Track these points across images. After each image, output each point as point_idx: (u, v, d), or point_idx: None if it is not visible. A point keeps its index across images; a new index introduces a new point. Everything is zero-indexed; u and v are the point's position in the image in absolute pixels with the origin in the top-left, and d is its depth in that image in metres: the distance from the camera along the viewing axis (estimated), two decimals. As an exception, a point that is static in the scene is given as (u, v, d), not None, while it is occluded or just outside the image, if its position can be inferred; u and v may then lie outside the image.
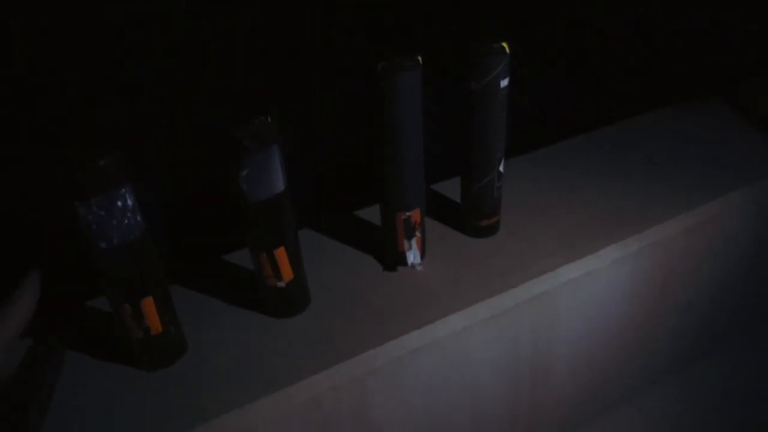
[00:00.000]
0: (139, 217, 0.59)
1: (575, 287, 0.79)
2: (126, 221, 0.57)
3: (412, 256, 0.77)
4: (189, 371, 0.65)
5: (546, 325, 0.79)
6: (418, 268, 0.76)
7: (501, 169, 0.79)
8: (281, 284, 0.69)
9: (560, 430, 0.95)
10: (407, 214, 0.74)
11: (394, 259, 0.78)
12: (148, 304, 0.62)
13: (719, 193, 0.90)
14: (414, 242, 0.77)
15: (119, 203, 0.56)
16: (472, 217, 0.82)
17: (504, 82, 0.72)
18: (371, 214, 0.90)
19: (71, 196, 0.53)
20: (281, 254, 0.67)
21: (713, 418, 1.04)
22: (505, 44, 0.71)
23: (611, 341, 0.89)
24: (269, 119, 0.60)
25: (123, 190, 0.56)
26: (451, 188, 0.93)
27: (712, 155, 1.01)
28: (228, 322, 0.71)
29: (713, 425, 1.03)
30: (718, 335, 1.07)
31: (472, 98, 0.73)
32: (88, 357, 0.68)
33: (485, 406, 0.81)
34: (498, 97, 0.72)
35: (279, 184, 0.63)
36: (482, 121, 0.74)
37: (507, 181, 0.85)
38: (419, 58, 0.67)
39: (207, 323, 0.71)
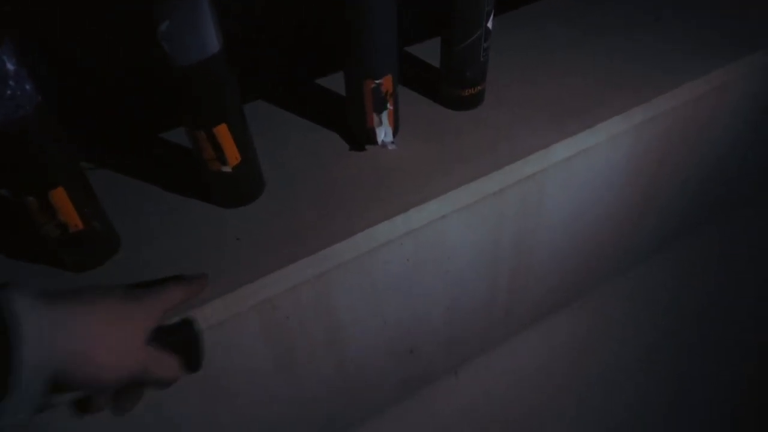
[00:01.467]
0: (28, 87, 0.45)
1: (568, 167, 0.69)
2: (8, 92, 0.43)
3: (383, 133, 0.65)
4: (123, 272, 0.55)
5: (532, 208, 0.71)
6: (390, 146, 0.65)
7: (489, 25, 0.65)
8: (227, 169, 0.57)
9: (536, 315, 0.91)
10: (376, 82, 0.61)
11: (361, 137, 0.67)
12: (59, 196, 0.50)
13: (729, 59, 0.78)
14: (385, 116, 0.65)
15: (-7, 67, 0.42)
16: (453, 85, 0.70)
17: None
18: (336, 82, 0.76)
19: None
20: (223, 132, 0.55)
21: (697, 295, 1.02)
22: None
23: (600, 223, 0.82)
24: (190, -49, 0.45)
25: (-4, 48, 0.42)
26: (429, 51, 0.80)
27: (724, 18, 0.87)
28: (167, 214, 0.61)
29: (694, 303, 1.01)
30: (708, 213, 1.02)
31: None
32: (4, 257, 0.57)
33: (461, 297, 0.75)
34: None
35: (212, 41, 0.49)
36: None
37: (494, 41, 0.71)
38: None
39: (142, 215, 0.60)
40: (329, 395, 0.72)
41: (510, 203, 0.67)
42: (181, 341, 0.46)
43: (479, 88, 0.70)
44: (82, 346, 0.36)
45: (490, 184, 0.64)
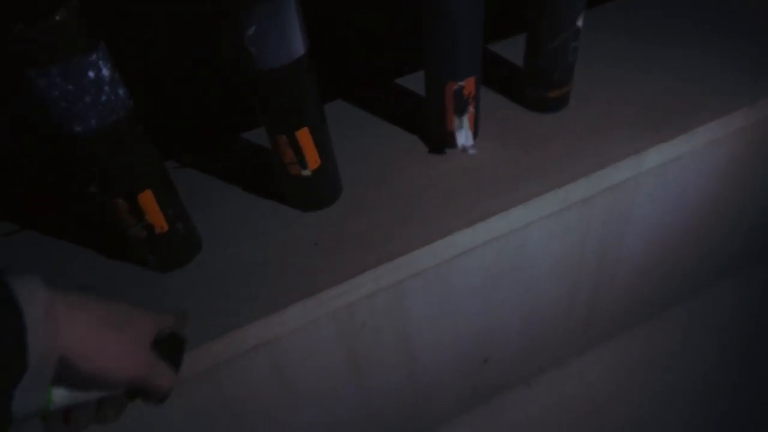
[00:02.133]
0: (121, 92, 0.46)
1: (661, 174, 0.65)
2: (104, 97, 0.44)
3: (464, 137, 0.63)
4: (205, 273, 0.56)
5: (620, 217, 0.67)
6: (471, 151, 0.63)
7: (579, 23, 0.61)
8: (306, 173, 0.57)
9: (614, 328, 0.87)
10: (459, 84, 0.59)
11: (441, 140, 0.65)
12: (147, 199, 0.51)
13: None
14: (466, 119, 0.62)
15: (90, 73, 0.43)
16: (539, 86, 0.66)
17: None
18: (416, 82, 0.74)
19: (22, 61, 0.40)
20: (305, 136, 0.54)
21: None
22: None
23: (687, 234, 0.77)
24: (280, -46, 0.44)
25: (93, 55, 0.42)
26: (511, 49, 0.76)
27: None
28: (247, 216, 0.61)
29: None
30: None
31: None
32: (96, 254, 0.59)
33: (539, 307, 0.72)
34: None
35: (298, 45, 0.49)
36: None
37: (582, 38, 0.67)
38: None
39: (222, 217, 0.61)
40: (399, 400, 0.71)
41: (597, 212, 0.64)
42: (170, 351, 0.45)
43: (566, 89, 0.67)
44: (91, 340, 0.37)
45: (578, 191, 0.60)
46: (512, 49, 0.75)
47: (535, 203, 0.59)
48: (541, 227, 0.61)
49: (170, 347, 0.45)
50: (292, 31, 0.47)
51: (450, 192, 0.61)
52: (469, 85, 0.60)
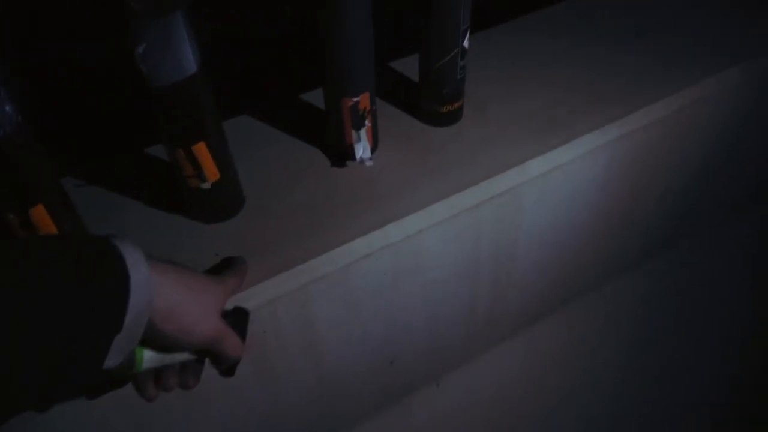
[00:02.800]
0: (8, 108, 0.46)
1: (545, 182, 0.71)
2: (-12, 114, 0.45)
3: (362, 150, 0.67)
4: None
5: (509, 222, 0.72)
6: (368, 163, 0.66)
7: (465, 44, 0.67)
8: (206, 185, 0.59)
9: (518, 324, 0.93)
10: (354, 100, 0.63)
11: (341, 153, 0.68)
12: (40, 213, 0.51)
13: (708, 72, 0.80)
14: (363, 133, 0.66)
15: (-27, 91, 0.43)
16: (431, 102, 0.71)
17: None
18: (319, 97, 0.77)
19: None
20: (202, 150, 0.56)
21: (675, 307, 1.03)
22: None
23: (580, 236, 0.84)
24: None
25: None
26: (410, 66, 0.81)
27: (703, 29, 0.89)
28: (147, 229, 0.62)
29: (672, 316, 1.03)
30: (688, 228, 1.03)
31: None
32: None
33: (441, 308, 0.76)
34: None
35: (188, 63, 0.51)
36: (444, -16, 0.60)
37: (472, 57, 0.73)
38: None
39: (122, 230, 0.62)
40: (309, 405, 0.73)
41: (486, 217, 0.68)
42: (236, 323, 0.49)
43: (457, 104, 0.72)
44: (175, 303, 0.41)
45: (466, 199, 0.65)
46: (412, 67, 0.80)
47: (426, 211, 0.63)
48: (434, 233, 0.65)
49: (235, 320, 0.48)
50: (182, 49, 0.50)
51: (349, 202, 0.64)
52: (364, 100, 0.64)
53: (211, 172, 0.58)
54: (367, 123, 0.66)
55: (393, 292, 0.68)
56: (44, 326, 0.32)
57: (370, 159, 0.67)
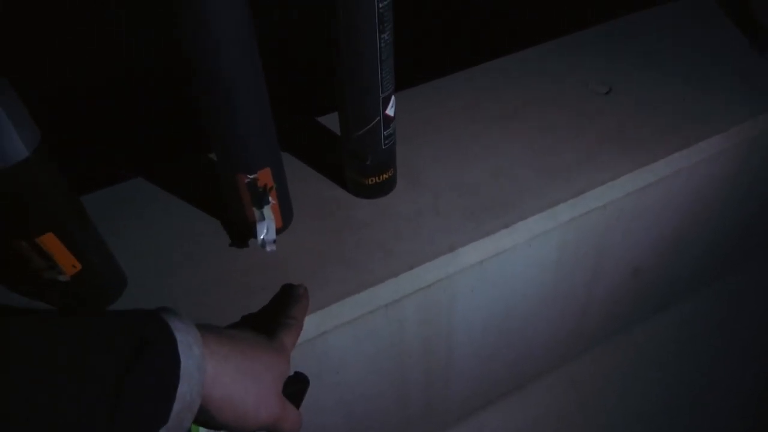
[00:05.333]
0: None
1: (481, 270, 0.61)
2: None
3: (265, 231, 0.57)
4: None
5: (440, 314, 0.62)
6: (269, 247, 0.57)
7: (390, 111, 0.57)
8: (64, 278, 0.49)
9: (465, 410, 0.83)
10: (250, 177, 0.53)
11: (243, 231, 0.59)
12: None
13: (681, 145, 0.70)
14: (268, 211, 0.57)
15: None
16: (355, 173, 0.61)
17: (387, -11, 0.48)
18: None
19: None
20: (50, 241, 0.47)
21: (642, 389, 0.93)
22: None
23: (529, 320, 0.74)
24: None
25: None
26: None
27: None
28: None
29: (640, 398, 0.92)
30: (661, 301, 0.93)
31: (337, 10, 0.49)
32: None
33: (362, 405, 0.66)
34: (372, 10, 0.48)
35: (16, 148, 0.41)
36: (354, 45, 0.51)
37: (411, 113, 0.63)
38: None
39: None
40: None
41: (410, 312, 0.59)
42: (294, 394, 0.46)
43: (385, 175, 0.62)
44: (231, 391, 0.37)
45: (383, 295, 0.56)
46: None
47: (330, 310, 0.53)
48: (341, 334, 0.55)
49: (293, 390, 0.45)
50: (7, 134, 0.40)
51: (247, 291, 0.55)
52: (264, 176, 0.54)
53: (68, 263, 0.49)
54: (272, 200, 0.56)
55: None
56: (81, 413, 0.29)
57: (273, 243, 0.57)
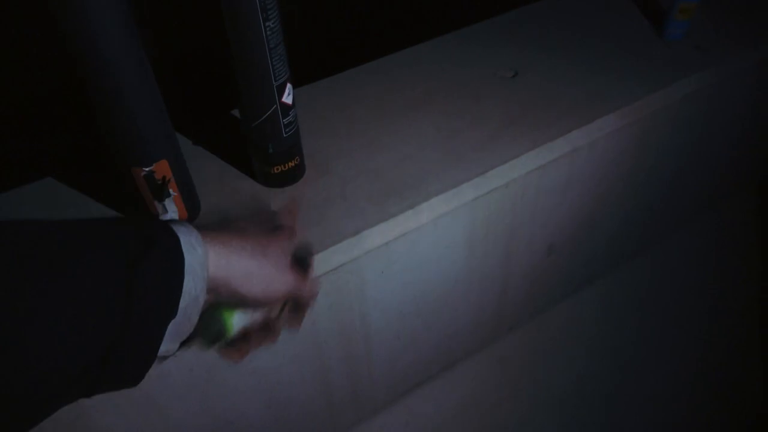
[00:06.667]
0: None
1: (388, 253, 0.63)
2: None
3: (167, 223, 0.57)
4: None
5: (351, 298, 0.64)
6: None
7: (288, 99, 0.58)
8: None
9: (394, 395, 0.84)
10: (146, 170, 0.53)
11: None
12: None
13: (579, 123, 0.73)
14: (170, 204, 0.57)
15: None
16: (259, 162, 0.62)
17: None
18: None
19: None
20: None
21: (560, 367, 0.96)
22: None
23: (447, 300, 0.76)
24: None
25: None
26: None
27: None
28: None
29: (559, 378, 0.96)
30: (585, 278, 0.97)
31: (221, 3, 0.50)
32: None
33: (283, 392, 0.67)
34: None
35: None
36: (240, 35, 0.51)
37: (323, 104, 0.64)
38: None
39: None
40: None
41: (320, 297, 0.60)
42: (302, 262, 0.47)
43: (291, 164, 0.63)
44: (242, 271, 0.40)
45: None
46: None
47: (234, 298, 0.54)
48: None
49: (300, 259, 0.47)
50: None
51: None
52: (161, 168, 0.54)
53: None
54: (173, 192, 0.56)
55: (210, 388, 0.59)
56: (92, 311, 0.30)
57: (178, 234, 0.57)
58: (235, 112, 0.75)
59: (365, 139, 0.70)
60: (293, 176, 0.64)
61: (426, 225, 0.63)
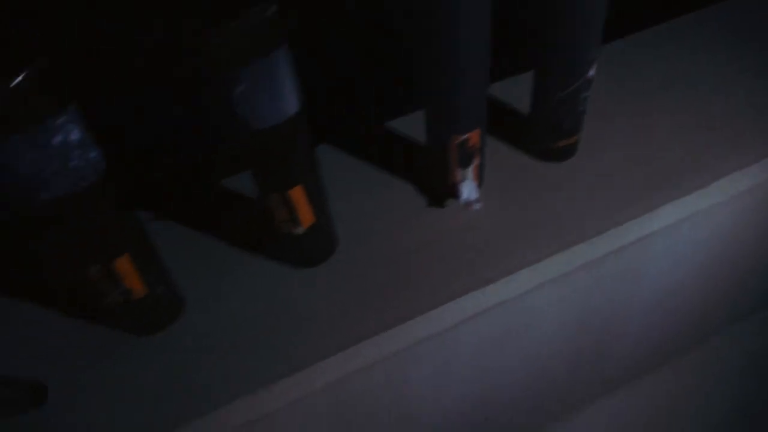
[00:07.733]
0: (93, 155, 0.41)
1: (673, 233, 0.61)
2: (73, 162, 0.40)
3: (468, 191, 0.59)
4: (184, 341, 0.51)
5: (629, 276, 0.63)
6: (476, 206, 0.59)
7: (591, 73, 0.58)
8: (299, 230, 0.53)
9: (624, 378, 0.83)
10: (463, 137, 0.55)
11: (442, 192, 0.61)
12: (124, 264, 0.46)
13: None
14: (470, 171, 0.59)
15: (57, 138, 0.38)
16: (546, 135, 0.63)
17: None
18: (410, 124, 0.70)
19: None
20: (298, 195, 0.50)
21: None
22: None
23: (699, 288, 0.73)
24: (271, 10, 0.40)
25: (62, 118, 0.38)
26: (511, 90, 0.73)
27: None
28: (233, 273, 0.57)
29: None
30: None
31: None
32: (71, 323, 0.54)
33: (542, 365, 0.68)
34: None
35: (291, 103, 0.45)
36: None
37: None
38: None
39: (207, 273, 0.56)
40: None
41: (606, 272, 0.60)
42: None
43: (574, 138, 0.63)
44: None
45: (587, 252, 0.57)
46: (511, 90, 0.72)
47: (542, 265, 0.55)
48: (547, 290, 0.57)
49: None
50: (286, 89, 0.43)
51: (453, 250, 0.57)
52: (474, 137, 0.56)
53: (306, 216, 0.52)
54: (475, 161, 0.58)
55: (495, 352, 0.61)
56: None
57: (478, 201, 0.59)
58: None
59: (637, 118, 0.69)
60: (571, 152, 0.64)
61: (711, 207, 0.61)
